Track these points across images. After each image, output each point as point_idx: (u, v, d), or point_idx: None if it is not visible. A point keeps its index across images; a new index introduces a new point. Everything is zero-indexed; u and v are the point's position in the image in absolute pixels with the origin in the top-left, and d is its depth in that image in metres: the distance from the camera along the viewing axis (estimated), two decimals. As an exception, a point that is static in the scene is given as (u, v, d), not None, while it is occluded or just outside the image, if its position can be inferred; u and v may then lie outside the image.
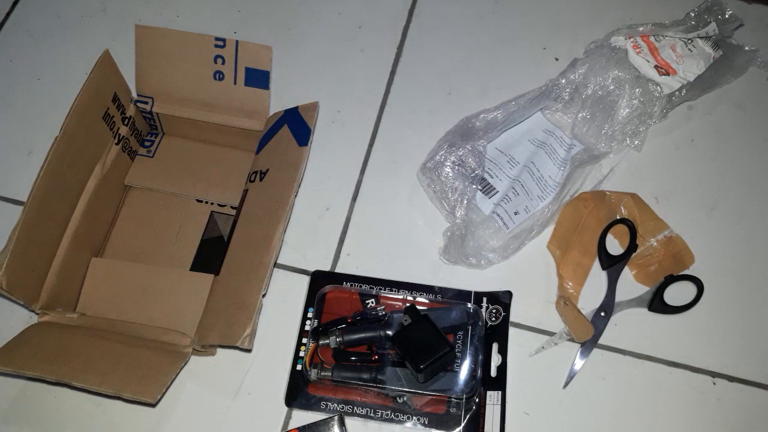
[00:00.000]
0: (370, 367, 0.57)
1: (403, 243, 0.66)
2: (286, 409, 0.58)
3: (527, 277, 0.64)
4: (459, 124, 0.66)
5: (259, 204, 0.59)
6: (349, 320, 0.60)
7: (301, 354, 0.60)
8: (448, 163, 0.64)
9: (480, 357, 0.59)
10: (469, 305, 0.61)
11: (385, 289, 0.62)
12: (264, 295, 0.54)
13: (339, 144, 0.71)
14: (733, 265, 0.65)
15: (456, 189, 0.63)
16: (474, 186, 0.63)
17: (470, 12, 0.79)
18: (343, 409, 0.57)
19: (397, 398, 0.58)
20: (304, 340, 0.60)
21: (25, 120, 0.73)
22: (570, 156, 0.67)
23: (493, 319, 0.61)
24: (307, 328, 0.61)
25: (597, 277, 0.64)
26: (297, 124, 0.61)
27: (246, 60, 0.62)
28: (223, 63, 0.62)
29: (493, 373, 0.59)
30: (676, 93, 0.69)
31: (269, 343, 0.61)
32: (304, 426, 0.55)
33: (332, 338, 0.58)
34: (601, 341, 0.61)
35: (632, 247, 0.63)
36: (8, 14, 0.79)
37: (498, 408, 0.57)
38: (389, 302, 0.62)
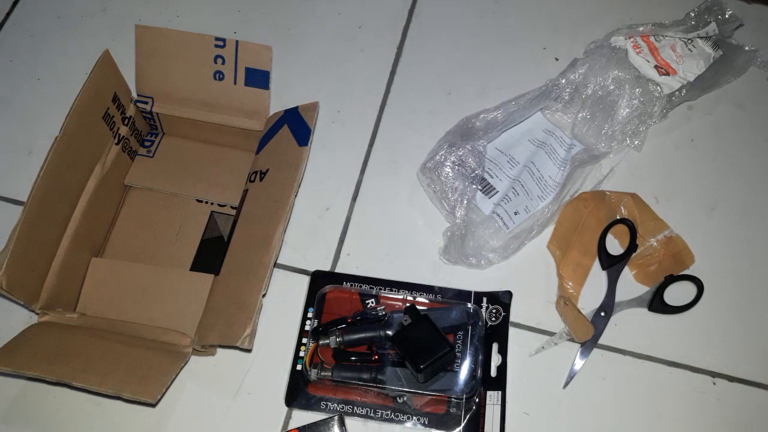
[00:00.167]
0: (370, 367, 0.57)
1: (403, 243, 0.66)
2: (286, 409, 0.58)
3: (527, 277, 0.64)
4: (459, 124, 0.66)
5: (259, 204, 0.59)
6: (349, 320, 0.60)
7: (301, 354, 0.60)
8: (448, 163, 0.64)
9: (480, 357, 0.59)
10: (469, 305, 0.61)
11: (385, 289, 0.62)
12: (264, 295, 0.54)
13: (339, 144, 0.71)
14: (733, 265, 0.65)
15: (456, 189, 0.63)
16: (474, 186, 0.63)
17: (470, 12, 0.79)
18: (343, 409, 0.57)
19: (397, 398, 0.58)
20: (304, 340, 0.60)
21: (25, 120, 0.73)
22: (570, 156, 0.67)
23: (493, 319, 0.61)
24: (307, 328, 0.61)
25: (597, 277, 0.64)
26: (297, 124, 0.61)
27: (246, 60, 0.62)
28: (223, 63, 0.62)
29: (493, 373, 0.59)
30: (676, 93, 0.69)
31: (269, 343, 0.61)
32: (304, 426, 0.55)
33: (332, 338, 0.58)
34: (601, 341, 0.61)
35: (632, 247, 0.63)
36: (8, 14, 0.79)
37: (498, 408, 0.57)
38: (389, 302, 0.62)
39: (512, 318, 0.62)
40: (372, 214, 0.68)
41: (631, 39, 0.70)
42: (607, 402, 0.59)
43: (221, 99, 0.64)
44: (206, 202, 0.68)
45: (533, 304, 0.63)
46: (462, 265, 0.64)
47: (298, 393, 0.58)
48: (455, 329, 0.60)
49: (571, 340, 0.60)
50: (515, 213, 0.65)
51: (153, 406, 0.58)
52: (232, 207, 0.67)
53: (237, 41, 0.61)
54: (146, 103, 0.66)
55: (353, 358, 0.58)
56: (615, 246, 0.65)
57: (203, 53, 0.62)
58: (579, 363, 0.60)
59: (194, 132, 0.69)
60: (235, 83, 0.63)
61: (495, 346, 0.60)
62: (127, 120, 0.65)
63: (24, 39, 0.78)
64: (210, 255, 0.65)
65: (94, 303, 0.62)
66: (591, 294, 0.63)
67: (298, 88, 0.73)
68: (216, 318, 0.56)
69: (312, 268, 0.64)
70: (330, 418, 0.55)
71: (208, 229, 0.67)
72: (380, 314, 0.61)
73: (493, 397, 0.58)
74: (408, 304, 0.61)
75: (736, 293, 0.64)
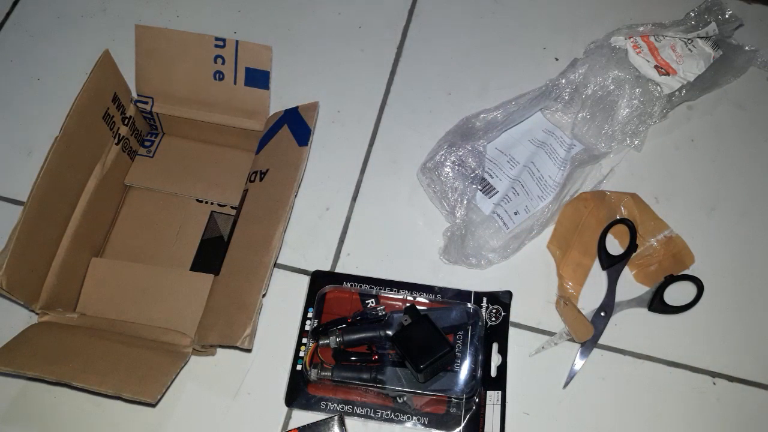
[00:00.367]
0: (370, 367, 0.57)
1: (403, 243, 0.66)
2: (286, 409, 0.58)
3: (527, 277, 0.64)
4: (459, 124, 0.66)
5: (259, 204, 0.59)
6: (349, 320, 0.60)
7: (301, 354, 0.60)
8: (448, 163, 0.64)
9: (480, 357, 0.59)
10: (469, 305, 0.61)
11: (385, 289, 0.62)
12: (264, 295, 0.54)
13: (339, 144, 0.71)
14: (733, 265, 0.65)
15: (456, 189, 0.63)
16: (474, 186, 0.63)
17: (470, 12, 0.79)
18: (343, 409, 0.57)
19: (397, 398, 0.58)
20: (304, 340, 0.60)
21: (25, 120, 0.73)
22: (570, 156, 0.67)
23: (493, 319, 0.61)
24: (307, 328, 0.61)
25: (597, 277, 0.64)
26: (297, 124, 0.61)
27: (246, 60, 0.62)
28: (223, 63, 0.62)
29: (493, 373, 0.59)
30: (676, 93, 0.69)
31: (269, 343, 0.61)
32: (304, 426, 0.55)
33: (332, 338, 0.58)
34: (601, 341, 0.61)
35: (632, 247, 0.63)
36: (8, 14, 0.79)
37: (498, 408, 0.57)
38: (389, 302, 0.62)
39: (512, 318, 0.62)
40: (372, 214, 0.68)
41: (631, 39, 0.70)
42: (607, 402, 0.59)
43: (221, 99, 0.64)
44: (206, 202, 0.68)
45: (533, 304, 0.63)
46: (462, 265, 0.64)
47: (298, 393, 0.58)
48: (455, 329, 0.60)
49: (571, 340, 0.60)
50: (515, 213, 0.65)
51: (153, 406, 0.58)
52: (232, 207, 0.67)
53: (237, 41, 0.61)
54: (146, 103, 0.66)
55: (353, 358, 0.58)
56: (615, 246, 0.65)
57: (203, 53, 0.62)
58: (579, 363, 0.60)
59: (194, 132, 0.69)
60: (235, 83, 0.63)
61: (495, 346, 0.60)
62: (127, 120, 0.65)
63: (24, 39, 0.78)
64: (210, 255, 0.65)
65: (94, 303, 0.62)
66: (591, 294, 0.63)
67: (298, 88, 0.73)
68: (216, 318, 0.56)
69: (312, 268, 0.64)
70: (330, 418, 0.55)
71: (208, 229, 0.67)
72: (380, 314, 0.61)
73: (493, 397, 0.58)
74: (408, 304, 0.61)
75: (736, 293, 0.64)
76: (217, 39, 0.61)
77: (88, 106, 0.59)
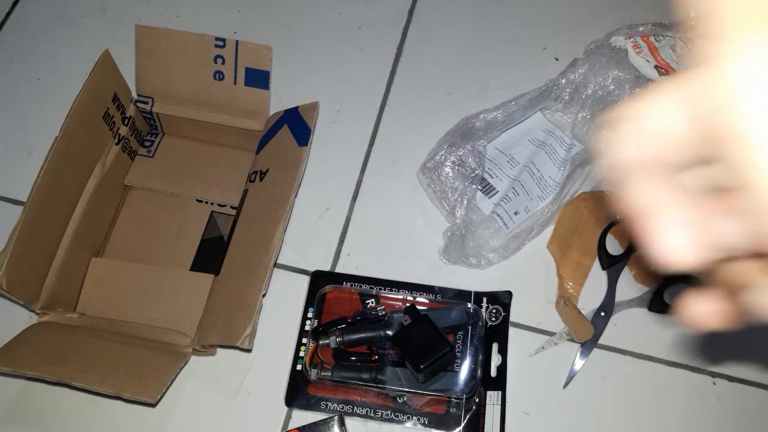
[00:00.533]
0: (370, 367, 0.57)
1: (403, 243, 0.66)
2: (286, 409, 0.58)
3: (527, 277, 0.64)
4: (459, 124, 0.66)
5: (259, 204, 0.59)
6: (349, 320, 0.60)
7: (301, 354, 0.60)
8: (448, 163, 0.64)
9: (480, 357, 0.59)
10: (469, 305, 0.61)
11: (385, 289, 0.62)
12: (264, 295, 0.54)
13: (339, 144, 0.71)
14: (733, 265, 0.65)
15: (456, 189, 0.63)
16: (474, 186, 0.63)
17: (470, 12, 0.79)
18: (343, 409, 0.57)
19: (397, 398, 0.58)
20: (304, 340, 0.60)
21: (25, 120, 0.73)
22: (570, 156, 0.67)
23: (493, 319, 0.61)
24: (307, 328, 0.61)
25: (597, 277, 0.64)
26: (297, 124, 0.61)
27: (246, 60, 0.62)
28: (223, 63, 0.62)
29: (493, 373, 0.59)
30: (676, 93, 0.69)
31: (269, 343, 0.61)
32: (304, 426, 0.54)
33: (332, 338, 0.58)
34: (601, 341, 0.61)
35: (632, 247, 0.63)
36: (8, 14, 0.79)
37: (498, 408, 0.57)
38: (389, 302, 0.62)
39: (512, 318, 0.62)
40: (372, 214, 0.68)
41: (631, 39, 0.70)
42: (607, 402, 0.59)
43: (221, 99, 0.64)
44: (206, 202, 0.68)
45: (533, 304, 0.63)
46: (462, 265, 0.64)
47: (298, 393, 0.58)
48: (455, 329, 0.60)
49: (571, 340, 0.60)
50: (515, 213, 0.65)
51: (153, 406, 0.58)
52: (232, 207, 0.67)
53: (237, 41, 0.61)
54: (146, 103, 0.66)
55: (353, 358, 0.58)
56: (615, 246, 0.65)
57: (203, 53, 0.62)
58: (579, 363, 0.60)
59: (194, 132, 0.69)
60: (235, 83, 0.63)
61: (495, 346, 0.60)
62: (127, 120, 0.65)
63: (24, 39, 0.78)
64: (210, 255, 0.65)
65: (94, 303, 0.62)
66: (591, 294, 0.63)
67: (298, 88, 0.73)
68: (216, 318, 0.56)
69: (312, 268, 0.64)
70: (330, 418, 0.55)
71: (208, 229, 0.67)
72: (380, 314, 0.61)
73: (493, 397, 0.58)
74: (408, 304, 0.61)
75: (736, 293, 0.64)
76: (217, 39, 0.61)
77: (88, 106, 0.59)
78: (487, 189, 0.67)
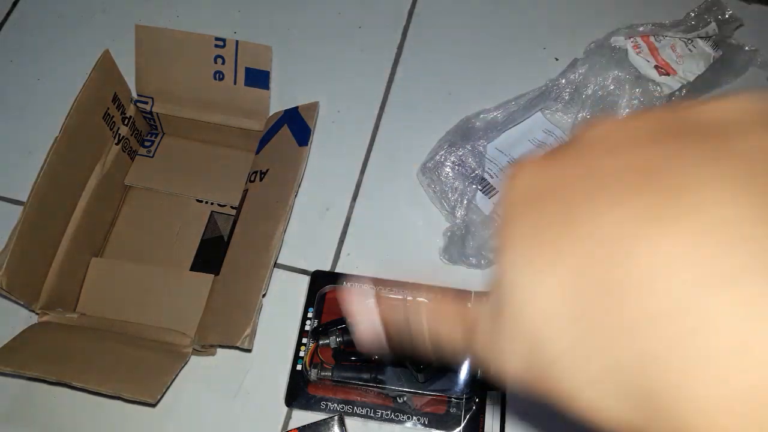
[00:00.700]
0: (370, 367, 0.57)
1: (403, 243, 0.66)
2: (286, 409, 0.58)
3: (527, 277, 0.64)
4: (459, 124, 0.66)
5: (259, 204, 0.59)
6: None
7: (301, 354, 0.60)
8: (448, 163, 0.64)
9: (480, 357, 0.59)
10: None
11: (385, 289, 0.62)
12: (264, 295, 0.54)
13: (339, 144, 0.71)
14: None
15: (456, 189, 0.63)
16: (474, 186, 0.63)
17: (470, 12, 0.79)
18: (343, 409, 0.57)
19: (397, 398, 0.58)
20: (304, 340, 0.60)
21: (25, 120, 0.73)
22: (570, 156, 0.67)
23: (493, 319, 0.61)
24: (307, 328, 0.61)
25: (597, 277, 0.64)
26: (297, 124, 0.61)
27: (246, 60, 0.62)
28: (223, 63, 0.62)
29: (493, 373, 0.59)
30: (676, 93, 0.69)
31: (269, 343, 0.61)
32: (304, 426, 0.54)
33: (332, 338, 0.58)
34: (601, 341, 0.61)
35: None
36: (8, 14, 0.79)
37: (498, 408, 0.57)
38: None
39: (512, 318, 0.62)
40: (372, 214, 0.68)
41: (631, 39, 0.70)
42: (607, 402, 0.59)
43: (221, 99, 0.64)
44: (206, 202, 0.68)
45: (533, 304, 0.63)
46: (462, 265, 0.64)
47: (298, 393, 0.58)
48: (455, 329, 0.60)
49: (571, 340, 0.60)
50: (515, 213, 0.65)
51: (153, 406, 0.58)
52: (232, 207, 0.67)
53: (237, 41, 0.61)
54: (146, 103, 0.66)
55: (353, 358, 0.58)
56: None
57: (203, 53, 0.62)
58: (579, 363, 0.60)
59: (194, 132, 0.69)
60: (235, 83, 0.63)
61: (495, 346, 0.60)
62: (127, 120, 0.65)
63: (24, 39, 0.77)
64: (210, 255, 0.65)
65: (94, 303, 0.62)
66: (591, 294, 0.63)
67: (298, 88, 0.73)
68: (216, 318, 0.56)
69: (312, 268, 0.64)
70: (330, 418, 0.55)
71: (208, 229, 0.67)
72: (380, 314, 0.61)
73: (493, 397, 0.58)
74: (408, 304, 0.60)
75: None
76: (217, 39, 0.61)
77: (88, 106, 0.59)
78: (487, 189, 0.67)
